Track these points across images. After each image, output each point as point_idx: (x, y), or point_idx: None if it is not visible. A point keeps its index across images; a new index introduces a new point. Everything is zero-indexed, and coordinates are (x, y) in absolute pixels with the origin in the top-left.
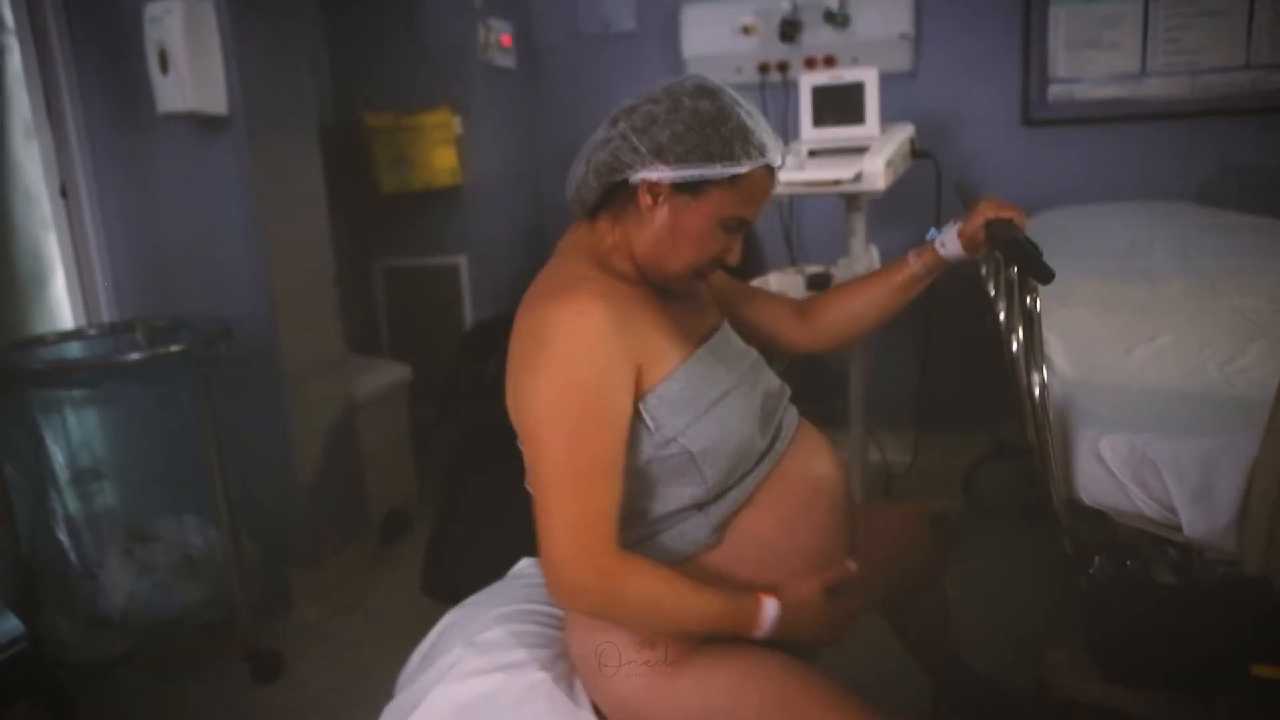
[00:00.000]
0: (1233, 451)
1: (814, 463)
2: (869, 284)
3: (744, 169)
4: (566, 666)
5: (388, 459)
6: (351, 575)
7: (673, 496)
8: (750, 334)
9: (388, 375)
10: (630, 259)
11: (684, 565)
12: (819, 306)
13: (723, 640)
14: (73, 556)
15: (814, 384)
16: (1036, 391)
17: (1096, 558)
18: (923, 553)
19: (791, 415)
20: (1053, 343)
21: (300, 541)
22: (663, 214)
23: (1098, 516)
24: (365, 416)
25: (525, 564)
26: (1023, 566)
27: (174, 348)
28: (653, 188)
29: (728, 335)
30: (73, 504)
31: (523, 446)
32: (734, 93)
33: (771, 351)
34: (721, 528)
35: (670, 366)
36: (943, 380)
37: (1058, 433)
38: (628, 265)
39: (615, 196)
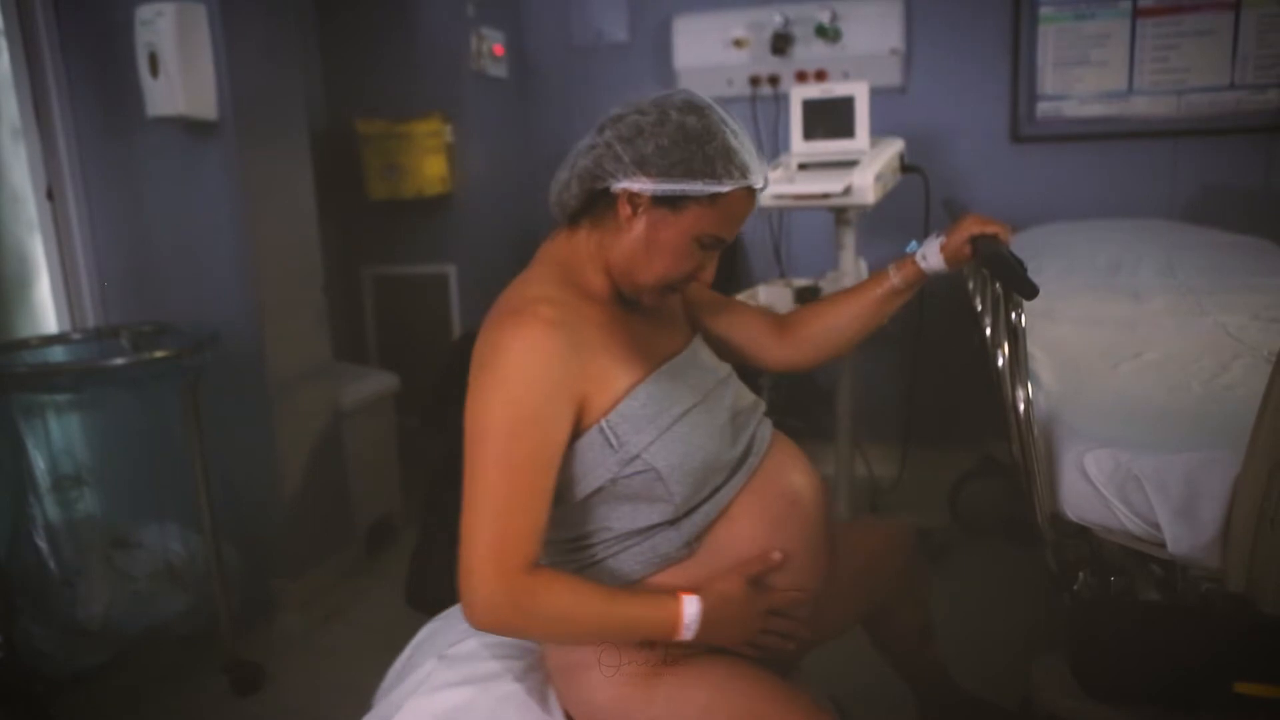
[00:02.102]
0: (1216, 468)
1: (789, 476)
2: (848, 298)
3: (725, 188)
4: (540, 677)
5: (373, 469)
6: (335, 585)
7: (641, 514)
8: (726, 348)
9: (375, 384)
10: (603, 271)
11: (655, 579)
12: (798, 321)
13: (702, 651)
14: (51, 564)
15: (801, 398)
16: (1021, 407)
17: (1081, 574)
18: (904, 568)
19: (765, 429)
20: (1038, 358)
21: (284, 551)
22: (640, 225)
23: (1082, 532)
24: (351, 425)
25: None
26: (1008, 582)
27: (159, 353)
28: (633, 198)
29: (696, 352)
30: (53, 510)
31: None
32: (722, 111)
33: (750, 367)
34: (693, 541)
35: (626, 385)
36: (930, 395)
37: (1042, 448)
38: (599, 279)
39: (596, 204)
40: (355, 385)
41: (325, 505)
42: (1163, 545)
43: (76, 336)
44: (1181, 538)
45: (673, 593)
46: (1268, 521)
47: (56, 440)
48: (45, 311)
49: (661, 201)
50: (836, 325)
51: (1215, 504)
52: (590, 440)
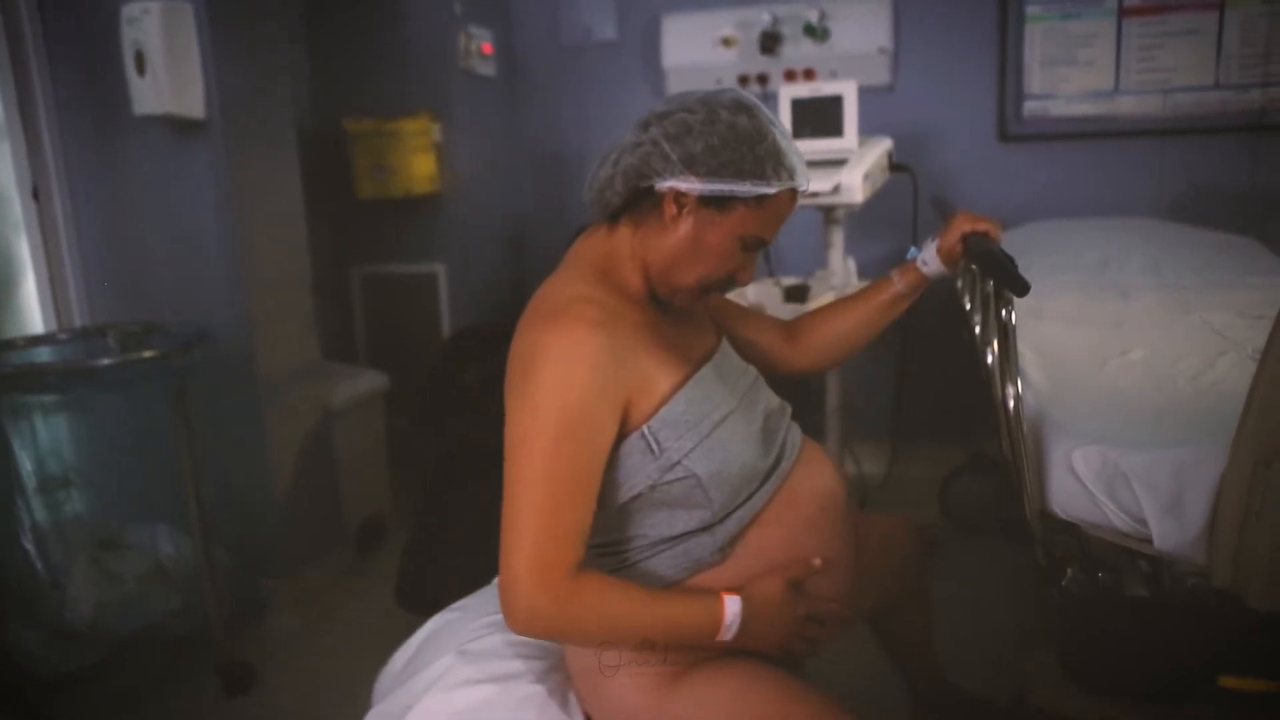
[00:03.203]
0: (1203, 464)
1: (819, 480)
2: (855, 304)
3: (772, 190)
4: (561, 678)
5: (363, 468)
6: (325, 585)
7: (679, 520)
8: (745, 354)
9: (364, 383)
10: (641, 270)
11: (689, 583)
12: (806, 327)
13: (722, 655)
14: (39, 565)
15: (790, 395)
16: (1011, 404)
17: (1069, 570)
18: (909, 563)
19: (795, 434)
20: (1027, 356)
21: (274, 551)
22: (686, 225)
23: (1071, 529)
24: (341, 425)
25: None
26: (998, 578)
27: (147, 353)
28: (680, 198)
29: (727, 354)
30: (40, 512)
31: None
32: (769, 112)
33: (766, 373)
34: (726, 547)
35: (668, 389)
36: (919, 392)
37: (1031, 445)
38: (636, 278)
39: (639, 202)
40: (345, 385)
41: (315, 505)
42: (1150, 541)
43: (63, 336)
44: (1168, 534)
45: (714, 594)
46: (1253, 516)
47: (43, 441)
48: (31, 311)
49: (708, 202)
50: (843, 330)
51: (1201, 500)
52: (632, 446)
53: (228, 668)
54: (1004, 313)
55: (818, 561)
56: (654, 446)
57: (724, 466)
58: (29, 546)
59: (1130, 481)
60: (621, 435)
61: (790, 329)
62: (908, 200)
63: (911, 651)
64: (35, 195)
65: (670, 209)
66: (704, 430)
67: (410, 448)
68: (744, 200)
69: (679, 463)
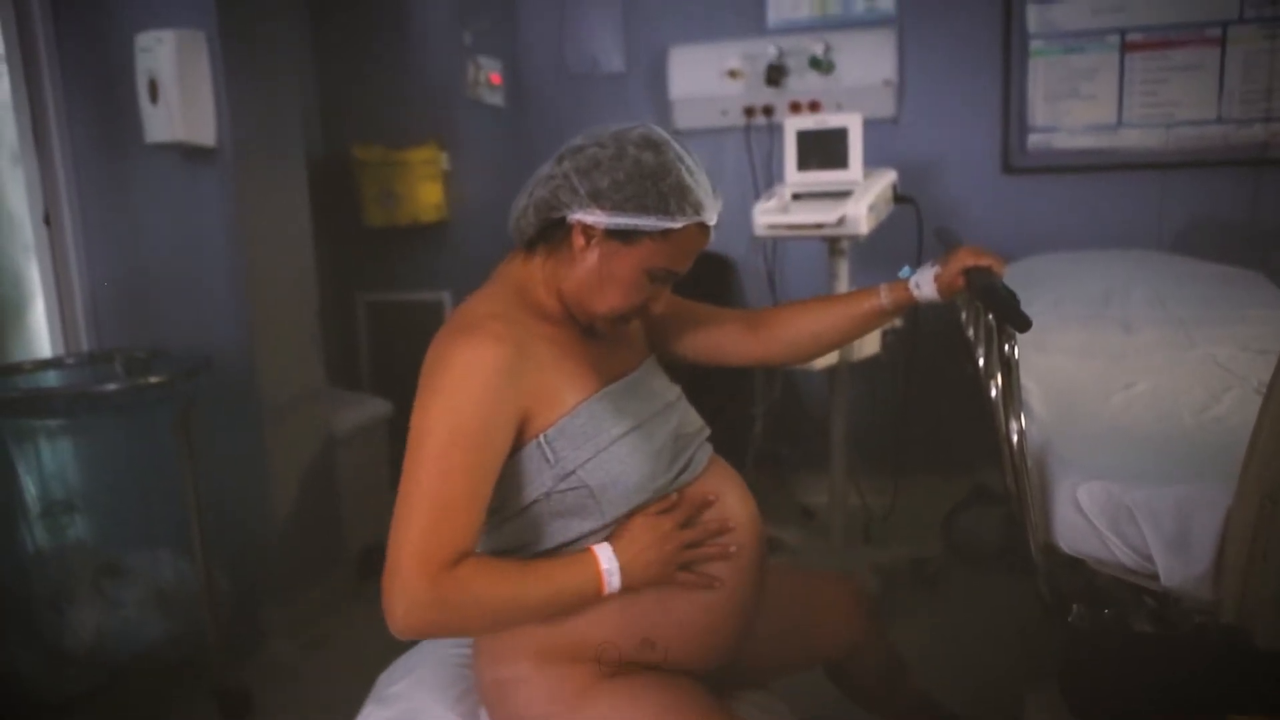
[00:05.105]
0: (1208, 501)
1: (723, 499)
2: (833, 307)
3: (677, 224)
4: (473, 701)
5: (366, 494)
6: (325, 611)
7: (570, 529)
8: (694, 353)
9: (368, 410)
10: (556, 295)
11: None
12: (774, 319)
13: (640, 670)
14: (40, 590)
15: (793, 426)
16: (1015, 439)
17: (1074, 605)
18: (855, 631)
19: (703, 453)
20: (1031, 389)
21: (274, 576)
22: (593, 257)
23: (1075, 563)
24: (344, 451)
25: None
26: (1002, 611)
27: (152, 379)
28: (587, 230)
29: (646, 374)
30: (42, 536)
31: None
32: (680, 147)
33: (718, 367)
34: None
35: (571, 403)
36: (922, 423)
37: (1036, 480)
38: (551, 300)
39: (551, 233)
40: (348, 411)
41: (317, 531)
42: (1156, 578)
43: (70, 361)
44: (1174, 570)
45: (586, 549)
46: (1260, 554)
47: (48, 465)
48: (40, 335)
49: (614, 234)
50: (815, 331)
51: (1207, 536)
52: (528, 454)
53: (225, 693)
54: (1006, 347)
55: (713, 497)
56: (549, 455)
57: (620, 478)
58: (31, 571)
59: (1135, 517)
60: (520, 443)
61: (755, 319)
62: (912, 231)
63: (877, 702)
64: (47, 220)
65: (579, 240)
66: (601, 443)
67: None
68: (649, 234)
69: (573, 472)
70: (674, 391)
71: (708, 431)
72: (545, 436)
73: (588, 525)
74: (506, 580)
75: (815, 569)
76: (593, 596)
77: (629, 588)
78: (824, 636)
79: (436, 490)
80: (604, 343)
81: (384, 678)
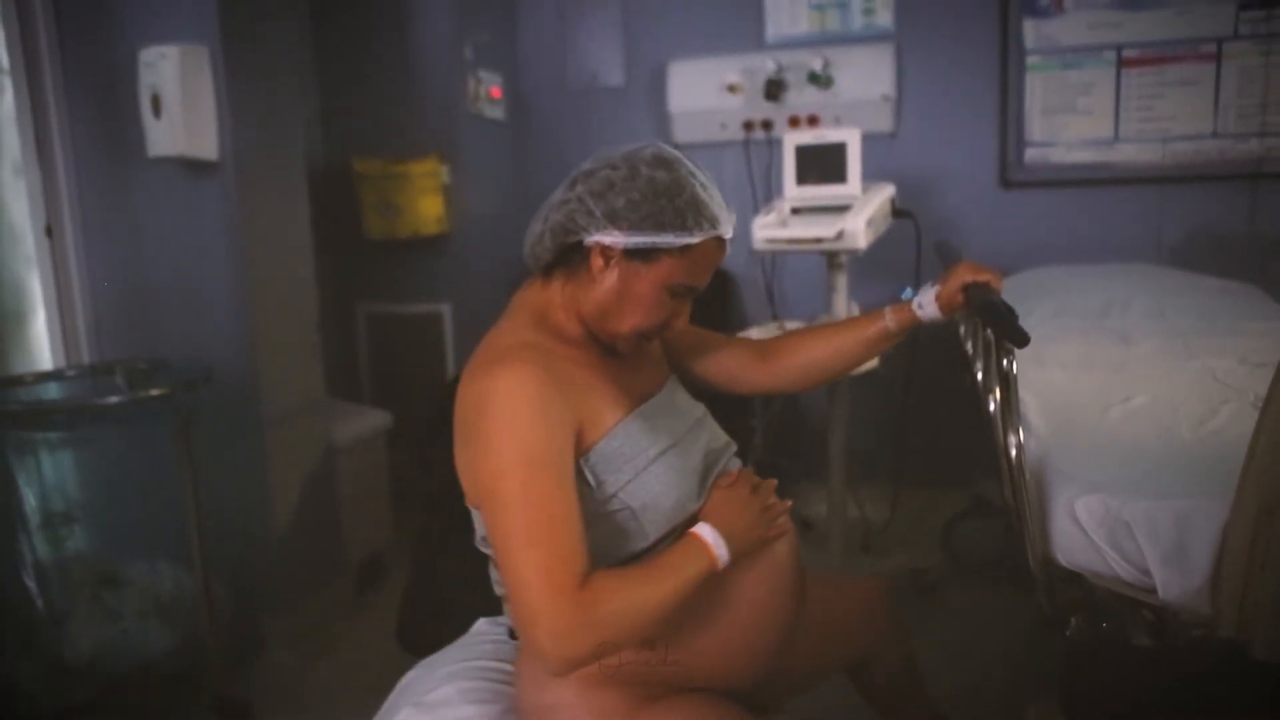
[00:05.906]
0: (1205, 514)
1: None
2: (839, 333)
3: (695, 239)
4: None
5: (366, 505)
6: (325, 622)
7: (615, 552)
8: (709, 378)
9: (368, 421)
10: (577, 318)
11: None
12: (784, 348)
13: (677, 692)
14: (39, 602)
15: (793, 438)
16: (1013, 453)
17: (1073, 619)
18: (880, 626)
19: (733, 466)
20: (1029, 402)
21: (274, 588)
22: (613, 277)
23: (1074, 577)
24: (344, 462)
25: (481, 624)
26: (1002, 622)
27: (153, 391)
28: (605, 251)
29: (672, 393)
30: (42, 548)
31: (480, 512)
32: (691, 164)
33: (730, 396)
34: None
35: (608, 424)
36: (921, 435)
37: (1034, 493)
38: (573, 324)
39: (569, 257)
40: (348, 422)
41: (317, 542)
42: (1154, 591)
43: (71, 373)
44: (1172, 584)
45: (687, 535)
46: (1257, 567)
47: (48, 477)
48: (41, 347)
49: (633, 254)
50: (822, 359)
51: (1205, 550)
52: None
53: (225, 705)
54: (1005, 362)
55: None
56: (590, 479)
57: (660, 498)
58: (30, 583)
59: (1133, 531)
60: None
61: (764, 349)
62: (910, 245)
63: (895, 706)
64: (48, 232)
65: (598, 262)
66: (640, 464)
67: (413, 487)
68: (668, 251)
69: (615, 495)
70: (699, 408)
71: (734, 446)
72: (585, 460)
73: (631, 547)
74: (636, 583)
75: (837, 576)
76: (710, 572)
77: (737, 557)
78: (852, 635)
79: (536, 521)
80: (628, 363)
81: (413, 682)
